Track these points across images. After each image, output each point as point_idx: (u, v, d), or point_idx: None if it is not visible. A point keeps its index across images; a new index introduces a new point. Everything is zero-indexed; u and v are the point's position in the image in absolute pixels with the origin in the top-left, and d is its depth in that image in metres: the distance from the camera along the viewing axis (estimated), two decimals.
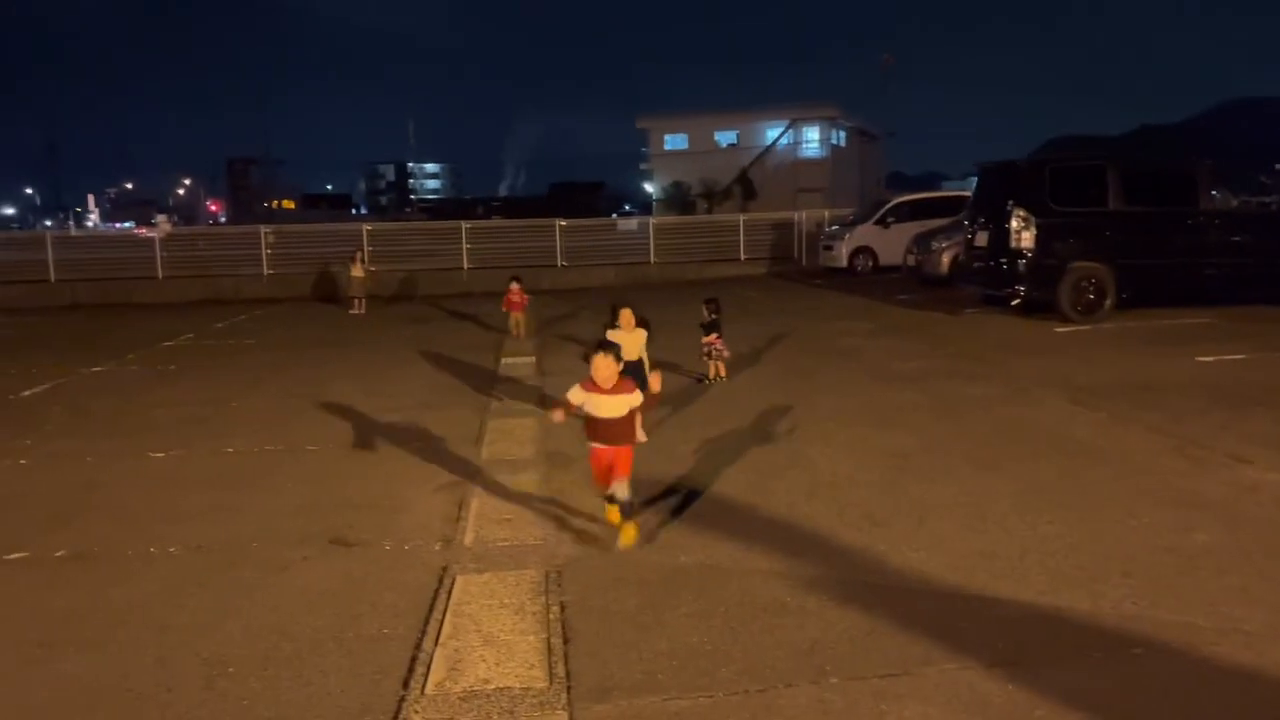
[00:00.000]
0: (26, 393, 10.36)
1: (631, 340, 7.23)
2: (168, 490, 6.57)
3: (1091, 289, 13.01)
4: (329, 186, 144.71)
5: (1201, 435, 6.95)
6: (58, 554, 5.31)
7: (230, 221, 60.61)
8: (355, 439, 7.85)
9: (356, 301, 18.14)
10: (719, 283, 22.01)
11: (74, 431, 8.45)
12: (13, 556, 5.29)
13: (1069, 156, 13.87)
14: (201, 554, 5.30)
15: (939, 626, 4.08)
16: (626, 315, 7.45)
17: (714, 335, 9.66)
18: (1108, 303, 12.99)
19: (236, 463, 7.26)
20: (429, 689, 3.70)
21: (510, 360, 11.74)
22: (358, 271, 18.43)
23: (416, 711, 3.53)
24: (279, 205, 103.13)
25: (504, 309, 13.84)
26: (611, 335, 7.14)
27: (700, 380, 9.73)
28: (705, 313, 9.66)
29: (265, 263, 23.15)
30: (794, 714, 3.41)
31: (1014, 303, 13.44)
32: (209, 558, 5.25)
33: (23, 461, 7.37)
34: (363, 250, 21.02)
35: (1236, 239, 13.19)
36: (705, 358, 9.77)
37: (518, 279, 13.76)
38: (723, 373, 9.78)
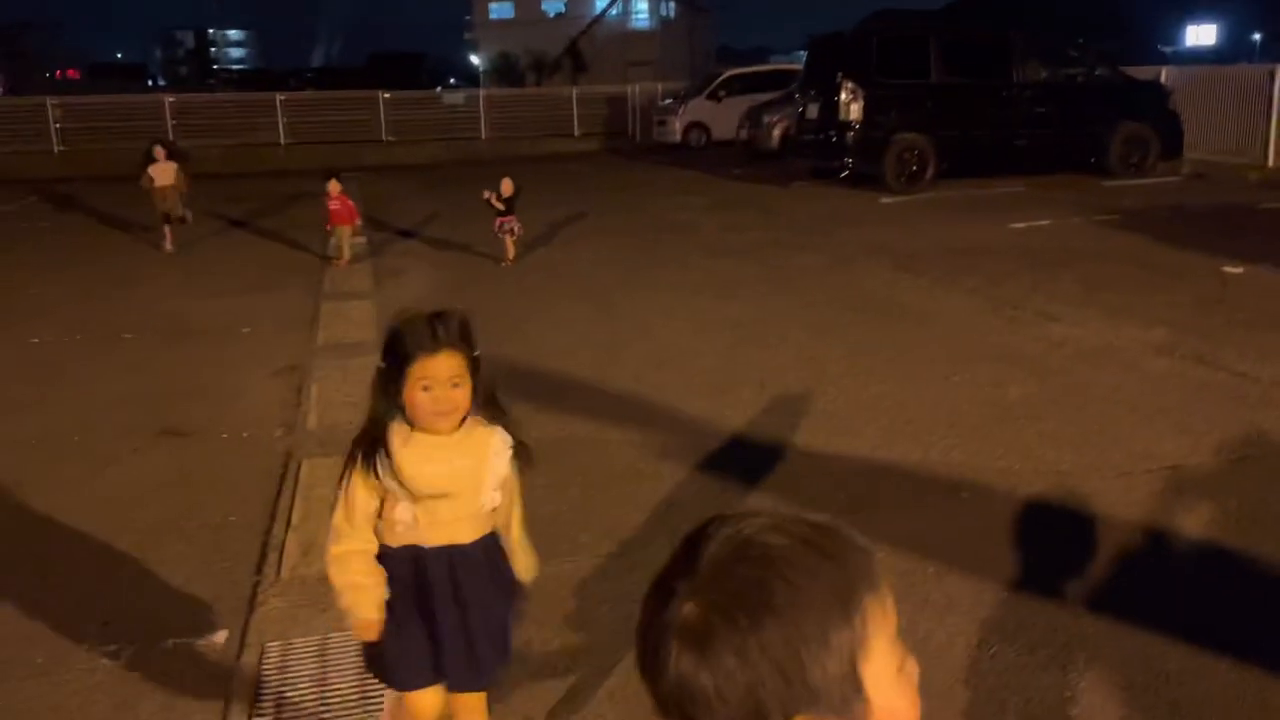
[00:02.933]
0: None
1: None
2: None
3: (914, 160, 13.51)
4: (119, 55, 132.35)
5: (1014, 296, 7.44)
6: None
7: (8, 94, 54.68)
8: (176, 326, 7.40)
9: (167, 229, 10.32)
10: (553, 158, 21.63)
11: None
12: None
13: (894, 28, 14.13)
14: (18, 451, 4.94)
15: (784, 481, 4.29)
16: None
17: (512, 215, 9.19)
18: (929, 173, 13.53)
19: (44, 354, 6.74)
20: (284, 574, 3.61)
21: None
22: (164, 176, 10.18)
23: (273, 596, 3.45)
24: (62, 75, 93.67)
25: (324, 221, 9.74)
26: None
27: (502, 262, 9.27)
28: (505, 187, 9.07)
29: (55, 139, 21.10)
30: (655, 568, 3.52)
31: (842, 175, 13.82)
32: (27, 454, 4.90)
33: None
34: (167, 137, 14.71)
35: (1045, 110, 13.90)
36: (505, 237, 9.24)
37: (335, 175, 9.55)
38: (510, 253, 9.25)
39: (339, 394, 5.71)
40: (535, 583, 2.37)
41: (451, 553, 2.15)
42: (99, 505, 4.26)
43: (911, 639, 2.69)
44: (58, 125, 21.19)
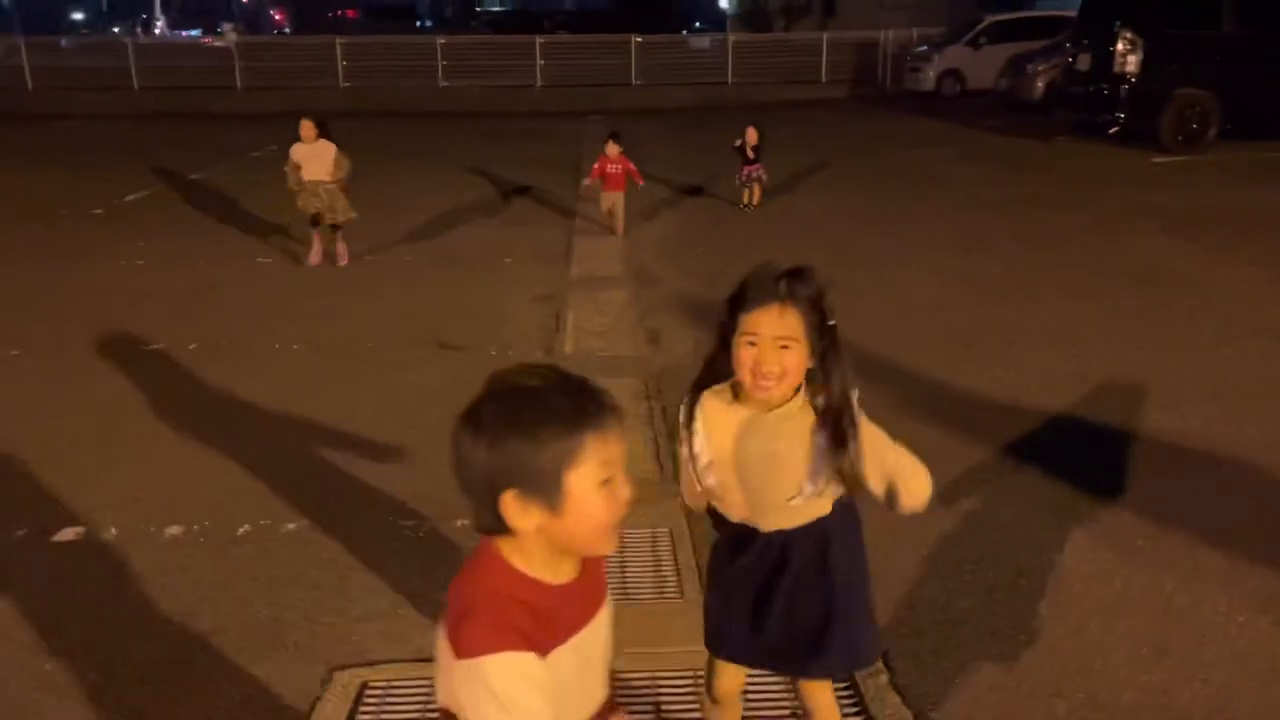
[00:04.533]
0: (130, 197, 10.74)
1: None
2: (281, 292, 6.93)
3: (1195, 117, 12.47)
4: None
5: None
6: (190, 347, 5.69)
7: (295, 32, 59.64)
8: (445, 252, 8.10)
9: (316, 236, 7.60)
10: (800, 105, 21.42)
11: (181, 234, 8.82)
12: (151, 347, 5.70)
13: None
14: (320, 351, 5.65)
15: (1027, 440, 4.27)
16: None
17: (758, 162, 9.45)
18: (1211, 133, 12.46)
19: (339, 270, 7.57)
20: None
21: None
22: (315, 163, 7.33)
23: None
24: (341, 15, 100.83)
25: (593, 182, 8.63)
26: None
27: (740, 206, 9.60)
28: (751, 136, 9.35)
29: (340, 75, 23.03)
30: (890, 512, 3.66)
31: (1112, 130, 12.95)
32: (327, 355, 5.60)
33: (140, 262, 7.77)
34: (316, 110, 9.25)
35: None
36: (744, 185, 9.56)
37: (616, 136, 8.52)
38: (756, 198, 9.59)
39: (590, 323, 6.12)
40: None
41: (754, 536, 1.97)
42: (390, 400, 4.84)
43: (1154, 600, 2.71)
44: (344, 63, 23.08)
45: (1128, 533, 3.44)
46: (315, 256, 7.62)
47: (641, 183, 8.69)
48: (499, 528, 1.32)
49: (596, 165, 8.52)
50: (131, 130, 17.82)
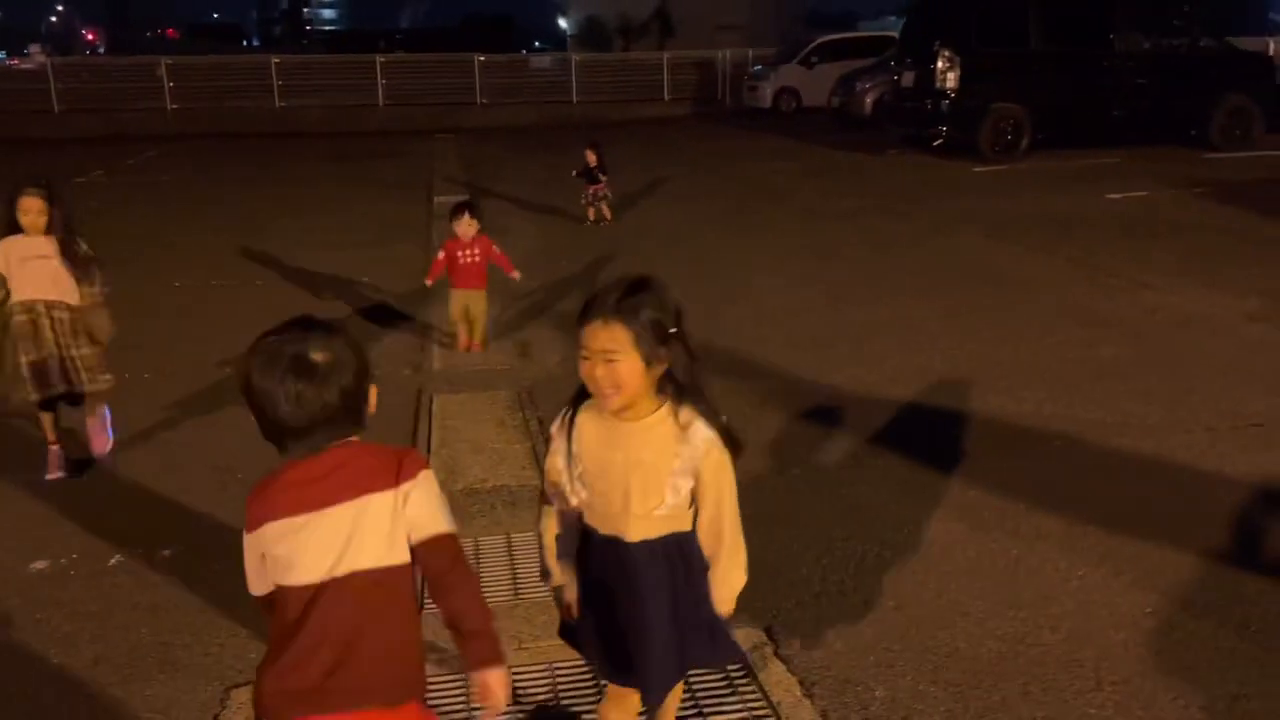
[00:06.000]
0: None
1: None
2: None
3: (1010, 129, 13.47)
4: (215, 15, 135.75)
5: (1109, 264, 7.54)
6: None
7: (109, 52, 56.67)
8: (300, 274, 7.95)
9: (51, 442, 4.30)
10: (644, 123, 21.90)
11: None
12: None
13: None
14: (172, 379, 5.48)
15: (883, 429, 4.58)
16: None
17: (603, 180, 9.73)
18: (1025, 143, 13.48)
19: (185, 297, 7.33)
20: None
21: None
22: (34, 281, 4.08)
23: None
24: (161, 35, 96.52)
25: (433, 282, 5.96)
26: None
27: (583, 223, 9.80)
28: (590, 158, 9.65)
29: (168, 96, 22.10)
30: (764, 498, 3.87)
31: (936, 143, 13.83)
32: (178, 382, 5.44)
33: None
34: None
35: (1147, 80, 13.68)
36: (589, 205, 9.80)
37: (470, 207, 5.82)
38: (607, 215, 9.81)
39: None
40: None
41: (617, 546, 1.99)
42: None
43: (1003, 563, 3.01)
44: (170, 84, 22.16)
45: (976, 505, 3.76)
46: (52, 467, 4.21)
47: (516, 276, 6.04)
48: (358, 424, 1.74)
49: (441, 253, 5.79)
50: None
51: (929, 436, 4.48)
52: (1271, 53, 14.88)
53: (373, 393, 1.76)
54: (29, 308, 4.04)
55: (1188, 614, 3.00)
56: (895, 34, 17.23)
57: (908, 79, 14.37)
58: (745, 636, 2.92)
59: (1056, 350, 5.62)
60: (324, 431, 1.69)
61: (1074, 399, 4.84)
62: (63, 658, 2.92)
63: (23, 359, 4.03)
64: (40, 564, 3.47)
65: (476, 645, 1.73)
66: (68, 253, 4.09)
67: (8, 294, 4.04)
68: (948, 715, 2.58)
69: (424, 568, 1.73)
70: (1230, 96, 13.75)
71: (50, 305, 4.07)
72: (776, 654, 2.85)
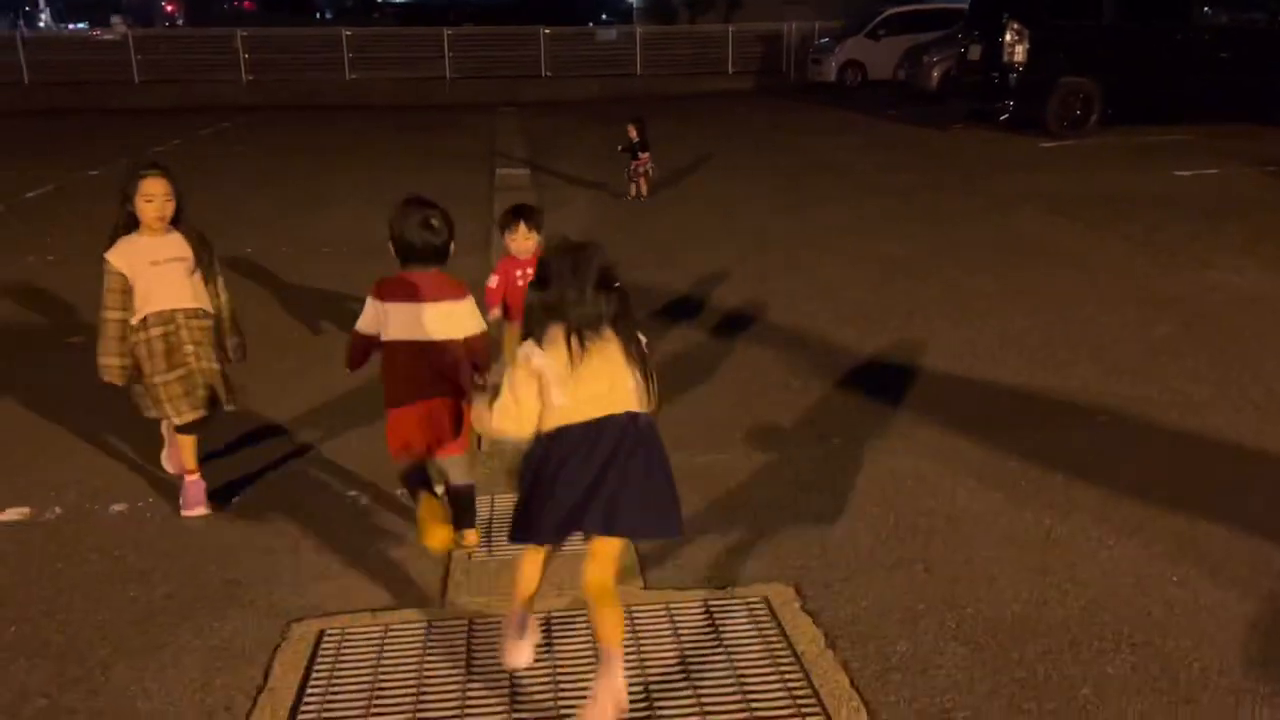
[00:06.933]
0: (30, 194, 10.51)
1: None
2: None
3: (1079, 104, 13.21)
4: None
5: (1172, 243, 7.43)
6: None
7: (187, 24, 57.88)
8: (367, 242, 8.18)
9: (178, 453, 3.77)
10: (707, 96, 21.85)
11: (88, 230, 8.69)
12: (72, 340, 5.70)
13: None
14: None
15: (926, 401, 4.63)
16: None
17: (645, 155, 9.67)
18: (1094, 118, 13.22)
19: (249, 266, 7.62)
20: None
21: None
22: (166, 288, 3.50)
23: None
24: (237, 6, 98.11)
25: (496, 312, 4.36)
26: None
27: (624, 197, 9.78)
28: (632, 133, 9.60)
29: (243, 68, 22.62)
30: (803, 465, 3.97)
31: (1002, 117, 13.62)
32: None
33: (50, 258, 7.68)
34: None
35: (1224, 55, 13.30)
36: (631, 180, 9.76)
37: (528, 213, 4.29)
38: (644, 191, 9.77)
39: None
40: (699, 469, 2.83)
41: (584, 427, 2.37)
42: (320, 390, 4.97)
43: (1036, 532, 3.08)
44: (246, 56, 22.67)
45: (1014, 476, 3.81)
46: (194, 503, 3.65)
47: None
48: (443, 261, 3.13)
49: (494, 278, 4.36)
50: (24, 127, 17.29)
51: (971, 409, 4.52)
52: None
53: (451, 245, 3.13)
54: (167, 319, 3.47)
55: (1214, 584, 3.04)
56: (964, 6, 16.92)
57: (975, 52, 14.16)
58: (776, 592, 3.04)
59: (1110, 328, 5.59)
60: (431, 260, 3.09)
61: (1123, 375, 4.84)
62: (137, 591, 3.15)
63: (157, 380, 3.46)
64: (119, 506, 3.72)
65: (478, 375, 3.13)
66: (200, 249, 3.53)
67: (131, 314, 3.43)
68: (965, 670, 2.67)
69: (468, 349, 3.10)
70: None
71: (190, 314, 3.51)
72: (803, 608, 2.96)
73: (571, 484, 2.30)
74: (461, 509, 3.26)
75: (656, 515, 2.38)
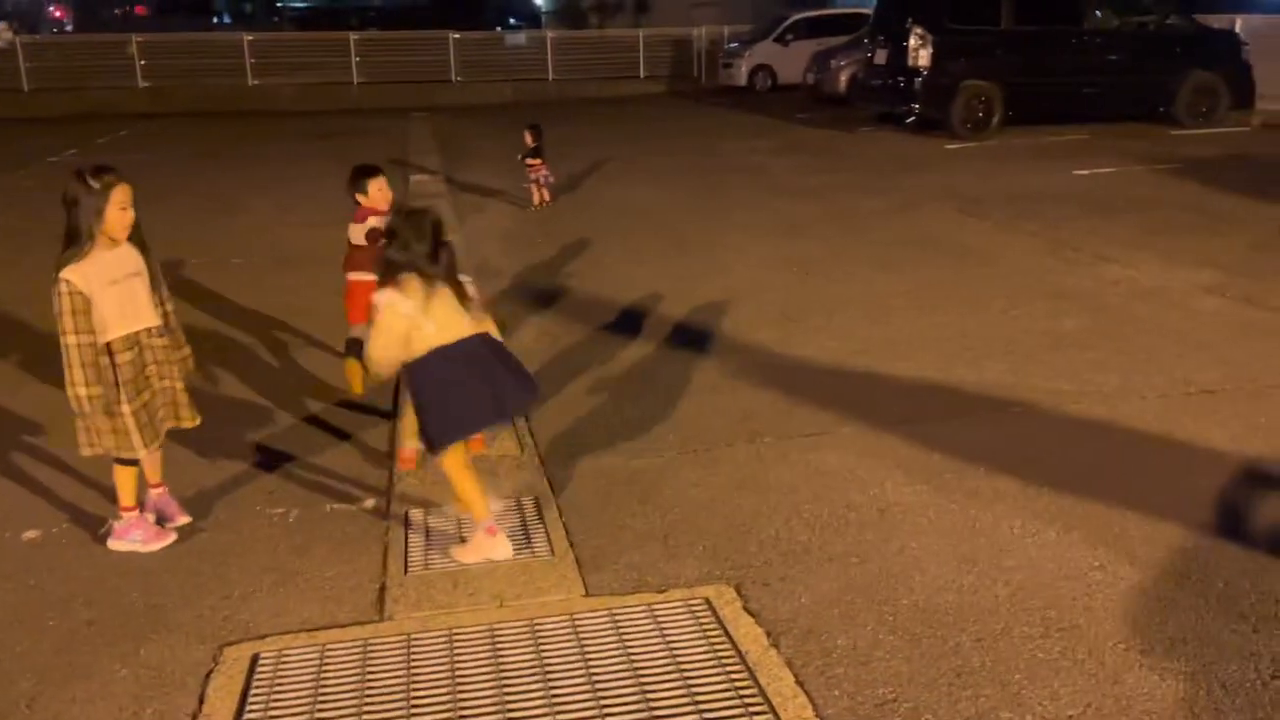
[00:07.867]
0: None
1: None
2: None
3: (981, 106, 13.63)
4: None
5: (1073, 239, 7.72)
6: (13, 358, 5.47)
7: (77, 30, 55.74)
8: (277, 254, 8.01)
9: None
10: (619, 100, 21.92)
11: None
12: None
13: None
14: None
15: (850, 397, 4.72)
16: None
17: (539, 161, 9.58)
18: (995, 120, 13.65)
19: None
20: None
21: None
22: (129, 309, 3.28)
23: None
24: (128, 12, 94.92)
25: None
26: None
27: (528, 207, 9.69)
28: (528, 139, 9.52)
29: (139, 74, 21.89)
30: (734, 464, 4.02)
31: (908, 120, 13.98)
32: None
33: None
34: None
35: (1115, 58, 13.87)
36: (531, 185, 9.67)
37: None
38: (546, 198, 9.70)
39: None
40: (633, 473, 2.86)
41: (467, 339, 3.20)
42: (243, 402, 4.85)
43: (961, 522, 3.16)
44: (142, 62, 21.93)
45: (937, 468, 3.92)
46: (175, 514, 3.60)
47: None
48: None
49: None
50: None
51: (894, 404, 4.63)
52: (1239, 30, 15.04)
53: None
54: (133, 342, 3.24)
55: (1132, 568, 3.17)
56: (870, 12, 17.33)
57: (881, 57, 14.49)
58: (718, 593, 3.07)
59: (1019, 322, 5.79)
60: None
61: (1034, 368, 5.01)
62: (57, 619, 3.02)
63: (125, 407, 3.20)
64: (32, 534, 3.57)
65: None
66: (147, 258, 3.32)
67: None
68: (905, 661, 2.74)
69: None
70: (1197, 74, 13.96)
71: (152, 333, 3.31)
72: (745, 609, 3.00)
73: (479, 383, 3.11)
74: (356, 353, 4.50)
75: (528, 391, 3.36)
